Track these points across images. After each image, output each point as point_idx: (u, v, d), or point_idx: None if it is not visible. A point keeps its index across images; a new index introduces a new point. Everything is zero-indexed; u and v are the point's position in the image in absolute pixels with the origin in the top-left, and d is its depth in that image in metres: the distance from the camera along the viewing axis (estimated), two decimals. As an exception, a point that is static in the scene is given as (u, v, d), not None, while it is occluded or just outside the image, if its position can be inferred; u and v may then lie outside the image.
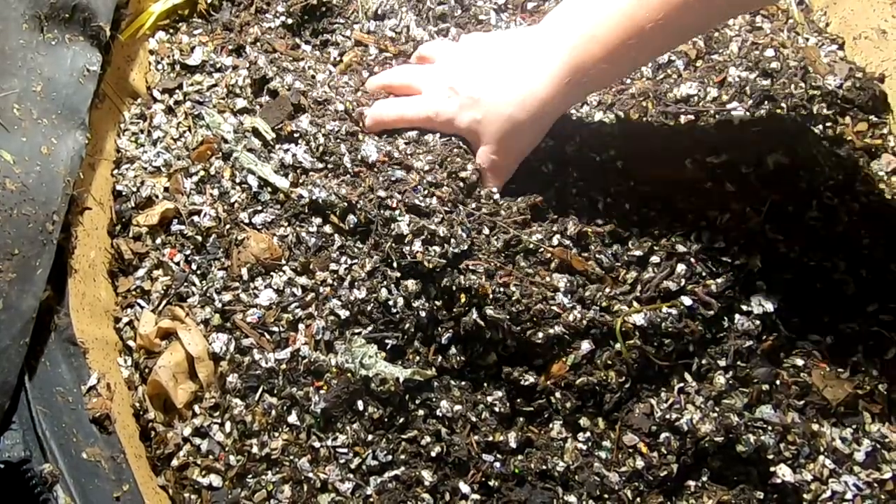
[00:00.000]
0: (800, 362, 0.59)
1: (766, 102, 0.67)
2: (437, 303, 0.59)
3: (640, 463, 0.57)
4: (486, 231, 0.61)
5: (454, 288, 0.58)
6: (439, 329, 0.59)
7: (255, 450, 0.60)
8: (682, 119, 0.67)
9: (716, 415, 0.57)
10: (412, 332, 0.60)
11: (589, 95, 0.67)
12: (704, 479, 0.58)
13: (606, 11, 0.55)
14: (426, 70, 0.69)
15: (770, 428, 0.57)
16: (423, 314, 0.59)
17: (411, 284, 0.59)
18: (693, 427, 0.56)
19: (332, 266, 0.62)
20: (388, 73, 0.72)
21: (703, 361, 0.59)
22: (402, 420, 0.59)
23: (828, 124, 0.67)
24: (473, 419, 0.59)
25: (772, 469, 0.57)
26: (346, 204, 0.62)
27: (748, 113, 0.66)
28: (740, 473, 0.58)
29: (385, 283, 0.60)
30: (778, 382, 0.59)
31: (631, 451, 0.58)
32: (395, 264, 0.60)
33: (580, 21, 0.57)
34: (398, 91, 0.70)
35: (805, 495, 0.57)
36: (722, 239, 0.60)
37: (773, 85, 0.68)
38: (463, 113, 0.63)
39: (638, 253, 0.60)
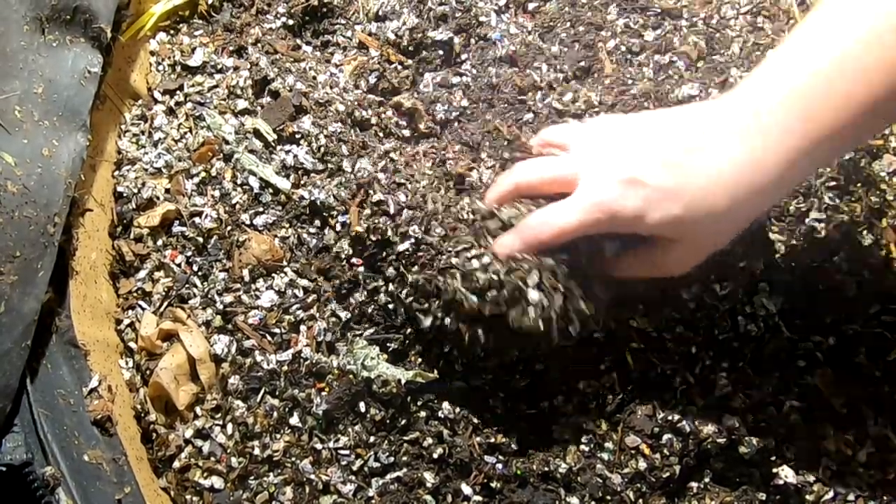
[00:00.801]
0: (802, 363, 0.59)
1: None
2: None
3: (642, 464, 0.57)
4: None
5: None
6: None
7: (256, 451, 0.60)
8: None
9: (718, 416, 0.57)
10: (413, 334, 0.60)
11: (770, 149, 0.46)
12: (707, 480, 0.58)
13: (840, 45, 0.42)
14: (575, 158, 0.52)
15: (772, 430, 0.57)
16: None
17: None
18: (695, 428, 0.56)
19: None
20: (515, 174, 0.55)
21: (706, 363, 0.59)
22: (403, 422, 0.59)
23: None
24: (475, 420, 0.59)
25: (774, 470, 0.57)
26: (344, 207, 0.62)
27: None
28: (743, 475, 0.58)
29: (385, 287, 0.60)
30: (780, 384, 0.59)
31: (633, 452, 0.58)
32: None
33: (803, 60, 0.44)
34: (537, 192, 0.54)
35: (808, 496, 0.57)
36: None
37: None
38: (654, 209, 0.47)
39: None
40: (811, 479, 0.57)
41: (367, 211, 0.63)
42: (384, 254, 0.60)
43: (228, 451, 0.60)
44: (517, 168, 0.56)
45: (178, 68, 0.76)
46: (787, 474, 0.57)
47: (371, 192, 0.62)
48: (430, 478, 0.58)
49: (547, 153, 0.56)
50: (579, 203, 0.49)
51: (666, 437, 0.57)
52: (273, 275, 0.64)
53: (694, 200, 0.46)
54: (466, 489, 0.58)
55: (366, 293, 0.60)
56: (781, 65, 0.46)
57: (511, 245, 0.52)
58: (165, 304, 0.65)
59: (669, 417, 0.57)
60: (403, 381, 0.58)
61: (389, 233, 0.59)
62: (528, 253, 0.51)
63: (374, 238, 0.60)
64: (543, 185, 0.53)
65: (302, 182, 0.67)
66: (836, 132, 0.44)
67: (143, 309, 0.65)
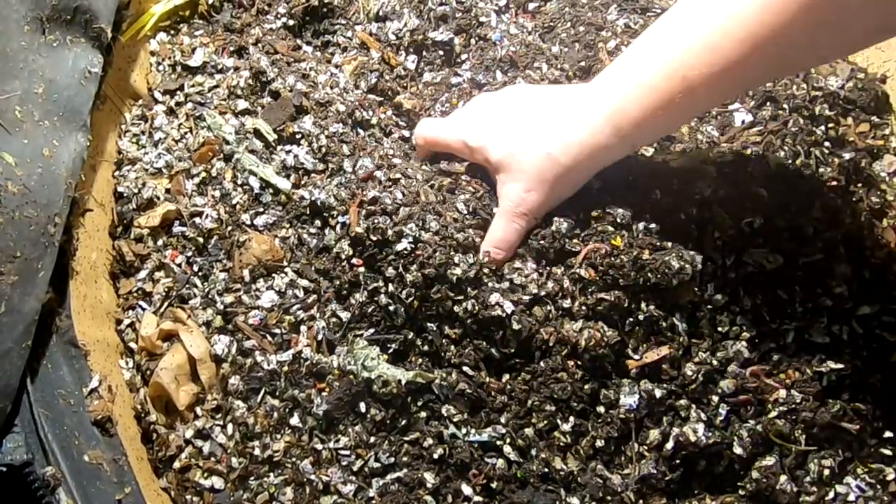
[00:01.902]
0: (804, 363, 0.59)
1: (767, 104, 0.67)
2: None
3: (643, 467, 0.57)
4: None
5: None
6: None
7: (257, 452, 0.60)
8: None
9: (719, 422, 0.57)
10: (413, 335, 0.60)
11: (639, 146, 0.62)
12: (708, 480, 0.58)
13: (652, 60, 0.53)
14: (466, 109, 0.69)
15: (772, 432, 0.57)
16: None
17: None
18: (696, 434, 0.56)
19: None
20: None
21: (707, 368, 0.59)
22: (404, 422, 0.59)
23: (830, 125, 0.67)
24: (476, 420, 0.59)
25: (775, 471, 0.57)
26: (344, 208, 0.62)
27: (750, 114, 0.66)
28: (744, 476, 0.58)
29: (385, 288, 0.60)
30: (780, 387, 0.58)
31: (635, 455, 0.58)
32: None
33: (624, 69, 0.55)
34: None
35: (808, 497, 0.57)
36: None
37: (774, 86, 0.68)
38: (496, 144, 0.61)
39: None
40: (812, 479, 0.57)
41: (366, 211, 0.63)
42: (384, 254, 0.60)
43: (229, 451, 0.60)
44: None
45: (179, 68, 0.76)
46: (785, 479, 0.56)
47: (371, 191, 0.62)
48: (430, 478, 0.57)
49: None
50: (451, 123, 0.66)
51: (668, 445, 0.57)
52: (273, 275, 0.64)
53: (528, 144, 0.59)
54: (467, 489, 0.58)
55: (366, 293, 0.60)
56: (609, 71, 0.57)
57: (418, 131, 0.69)
58: (166, 304, 0.65)
59: (672, 425, 0.57)
60: (404, 382, 0.58)
61: (389, 233, 0.59)
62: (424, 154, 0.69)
63: (373, 238, 0.60)
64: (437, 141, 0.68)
65: (302, 182, 0.67)
66: (639, 117, 0.55)
67: (144, 309, 0.65)
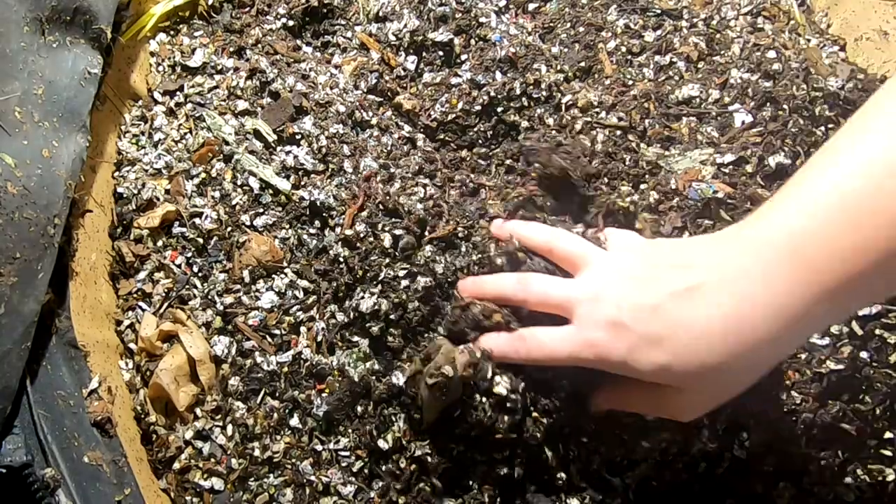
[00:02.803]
0: (804, 364, 0.59)
1: (768, 104, 0.67)
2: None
3: (643, 469, 0.57)
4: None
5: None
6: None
7: (256, 453, 0.60)
8: (684, 121, 0.67)
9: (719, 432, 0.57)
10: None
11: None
12: (709, 483, 0.58)
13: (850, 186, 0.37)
14: (573, 287, 0.50)
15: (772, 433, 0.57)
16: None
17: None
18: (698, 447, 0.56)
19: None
20: (506, 279, 0.54)
21: None
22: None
23: (830, 126, 0.66)
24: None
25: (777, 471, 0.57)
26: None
27: (750, 115, 0.66)
28: (745, 479, 0.58)
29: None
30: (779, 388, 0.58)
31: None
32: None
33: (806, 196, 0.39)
34: (524, 304, 0.52)
35: (808, 499, 0.56)
36: None
37: (775, 86, 0.68)
38: (639, 357, 0.45)
39: None
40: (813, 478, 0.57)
41: (365, 213, 0.63)
42: (377, 255, 0.60)
43: (228, 452, 0.60)
44: (508, 275, 0.54)
45: (178, 69, 0.76)
46: (787, 482, 0.56)
47: (372, 191, 0.62)
48: (431, 479, 0.57)
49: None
50: (573, 337, 0.48)
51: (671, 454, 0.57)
52: (273, 276, 0.64)
53: (681, 351, 0.43)
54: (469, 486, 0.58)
55: (363, 295, 0.60)
56: (786, 199, 0.41)
57: (500, 349, 0.51)
58: (165, 305, 0.65)
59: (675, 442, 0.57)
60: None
61: (384, 237, 0.59)
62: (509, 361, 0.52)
63: (368, 241, 0.60)
64: (536, 305, 0.51)
65: (302, 183, 0.67)
66: (842, 285, 0.38)
67: (143, 310, 0.65)
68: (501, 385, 0.52)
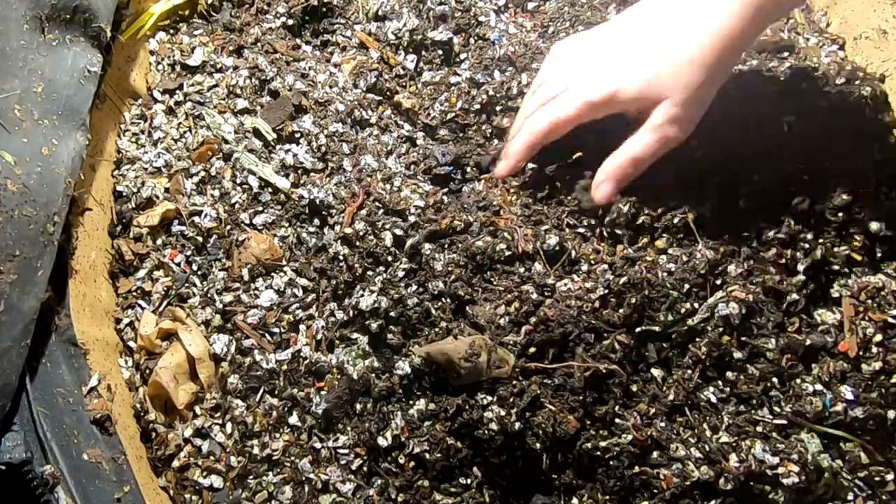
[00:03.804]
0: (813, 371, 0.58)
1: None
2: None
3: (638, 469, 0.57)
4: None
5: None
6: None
7: (256, 451, 0.60)
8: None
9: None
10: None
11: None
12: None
13: None
14: (563, 64, 0.62)
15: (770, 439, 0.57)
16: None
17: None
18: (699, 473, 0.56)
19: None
20: (526, 101, 0.65)
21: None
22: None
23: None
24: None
25: (780, 470, 0.56)
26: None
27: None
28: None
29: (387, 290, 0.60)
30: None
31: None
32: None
33: None
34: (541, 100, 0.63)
35: (808, 497, 0.56)
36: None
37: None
38: (629, 78, 0.56)
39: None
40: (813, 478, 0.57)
41: (365, 211, 0.63)
42: (377, 253, 0.60)
43: (228, 450, 0.60)
44: (528, 117, 0.63)
45: (178, 68, 0.76)
46: (791, 471, 0.56)
47: (372, 190, 0.62)
48: (429, 475, 0.57)
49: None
50: (565, 98, 0.59)
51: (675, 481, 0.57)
52: (272, 274, 0.64)
53: (666, 59, 0.54)
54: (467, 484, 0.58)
55: (363, 293, 0.60)
56: None
57: (516, 149, 0.62)
58: (165, 303, 0.65)
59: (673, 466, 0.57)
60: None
61: (384, 235, 0.60)
62: (530, 152, 0.62)
63: (369, 238, 0.60)
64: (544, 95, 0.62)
65: (301, 181, 0.67)
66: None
67: (143, 308, 0.65)
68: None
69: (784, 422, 0.56)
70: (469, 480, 0.57)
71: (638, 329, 0.57)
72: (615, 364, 0.56)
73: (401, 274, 0.60)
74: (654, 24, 0.57)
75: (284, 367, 0.61)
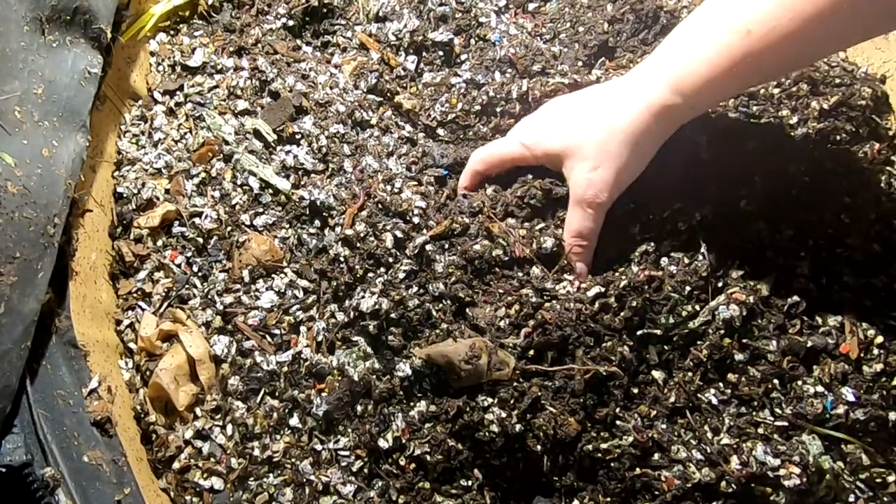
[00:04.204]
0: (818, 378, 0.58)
1: (767, 104, 0.67)
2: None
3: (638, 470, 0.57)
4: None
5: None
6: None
7: (256, 452, 0.60)
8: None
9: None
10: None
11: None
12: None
13: (718, 14, 0.52)
14: (517, 126, 0.67)
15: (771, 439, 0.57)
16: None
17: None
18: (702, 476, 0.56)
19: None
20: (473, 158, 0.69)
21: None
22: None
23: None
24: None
25: (781, 472, 0.56)
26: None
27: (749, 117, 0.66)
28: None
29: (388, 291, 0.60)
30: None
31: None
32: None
33: (684, 30, 0.55)
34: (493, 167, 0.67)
35: (808, 499, 0.56)
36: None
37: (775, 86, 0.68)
38: (555, 135, 0.60)
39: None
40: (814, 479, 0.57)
41: (365, 212, 0.63)
42: (378, 254, 0.60)
43: (228, 451, 0.60)
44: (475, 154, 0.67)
45: (178, 69, 0.76)
46: (792, 471, 0.56)
47: (373, 191, 0.62)
48: (430, 477, 0.57)
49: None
50: (501, 141, 0.65)
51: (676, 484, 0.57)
52: (273, 275, 0.64)
53: (586, 126, 0.58)
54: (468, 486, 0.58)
55: (363, 294, 0.60)
56: (655, 58, 0.56)
57: (466, 176, 0.66)
58: (165, 304, 0.65)
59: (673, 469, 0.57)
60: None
61: (385, 237, 0.59)
62: (477, 181, 0.65)
63: (369, 240, 0.60)
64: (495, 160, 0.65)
65: (302, 182, 0.67)
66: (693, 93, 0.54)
67: (143, 309, 0.65)
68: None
69: (785, 423, 0.56)
70: (470, 482, 0.57)
71: (639, 332, 0.57)
72: (615, 366, 0.56)
73: (401, 275, 0.60)
74: (593, 94, 0.61)
75: (285, 368, 0.61)
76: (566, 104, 0.62)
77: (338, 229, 0.63)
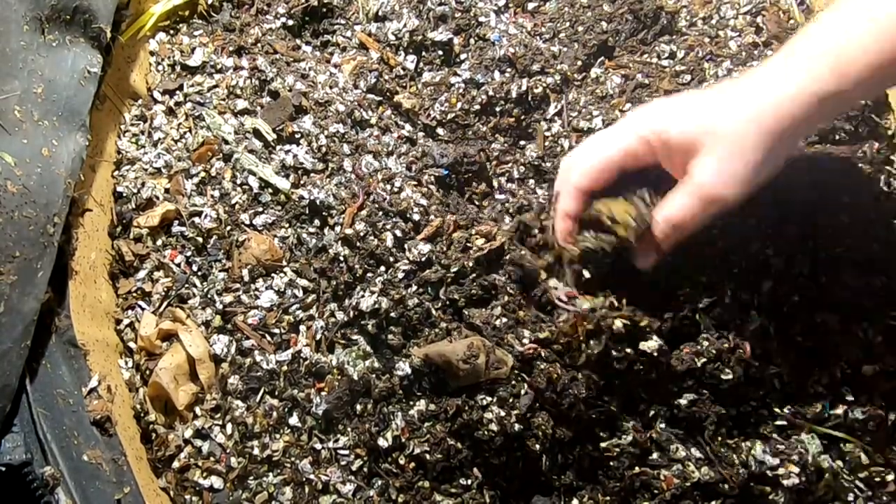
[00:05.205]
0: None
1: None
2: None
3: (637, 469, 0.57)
4: None
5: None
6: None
7: (256, 451, 0.60)
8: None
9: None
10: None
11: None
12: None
13: (866, 30, 0.46)
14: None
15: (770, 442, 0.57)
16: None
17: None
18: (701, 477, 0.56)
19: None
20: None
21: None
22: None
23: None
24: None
25: (780, 471, 0.56)
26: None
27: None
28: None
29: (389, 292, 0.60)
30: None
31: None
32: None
33: (831, 41, 0.47)
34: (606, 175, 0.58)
35: (808, 498, 0.57)
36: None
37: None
38: (680, 119, 0.51)
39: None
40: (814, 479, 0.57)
41: (365, 212, 0.63)
42: (378, 253, 0.60)
43: (228, 450, 0.60)
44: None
45: (178, 68, 0.76)
46: (792, 471, 0.56)
47: (373, 190, 0.62)
48: (429, 476, 0.58)
49: None
50: (622, 133, 0.54)
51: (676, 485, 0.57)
52: (272, 275, 0.64)
53: (714, 110, 0.50)
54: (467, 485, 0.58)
55: (363, 293, 0.60)
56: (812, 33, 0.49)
57: (567, 199, 0.56)
58: (165, 304, 0.65)
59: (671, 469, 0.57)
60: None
61: (387, 237, 0.60)
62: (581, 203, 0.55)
63: (368, 239, 0.60)
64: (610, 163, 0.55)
65: (301, 182, 0.67)
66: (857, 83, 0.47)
67: (143, 309, 0.65)
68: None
69: (784, 423, 0.56)
70: (469, 481, 0.57)
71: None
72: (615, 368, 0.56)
73: (401, 275, 0.60)
74: (728, 79, 0.54)
75: (284, 367, 0.61)
76: (692, 94, 0.55)
77: (337, 228, 0.63)
